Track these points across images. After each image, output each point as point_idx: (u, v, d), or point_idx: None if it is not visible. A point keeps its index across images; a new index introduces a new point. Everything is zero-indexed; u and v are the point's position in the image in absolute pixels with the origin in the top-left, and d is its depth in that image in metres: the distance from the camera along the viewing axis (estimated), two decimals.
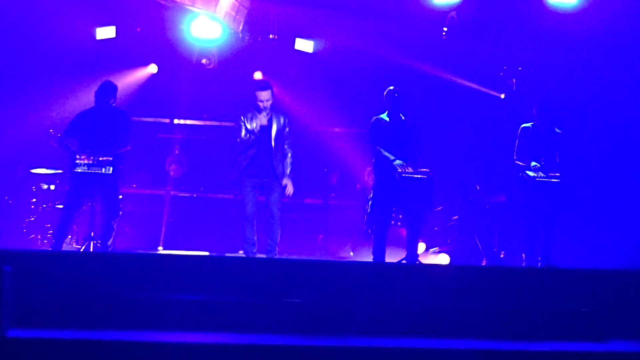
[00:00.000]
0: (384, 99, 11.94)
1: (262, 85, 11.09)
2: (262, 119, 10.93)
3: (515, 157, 12.11)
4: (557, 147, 12.03)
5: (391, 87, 11.98)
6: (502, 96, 16.10)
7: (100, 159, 11.42)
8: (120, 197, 12.00)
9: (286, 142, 11.01)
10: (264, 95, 10.95)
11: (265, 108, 10.92)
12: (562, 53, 15.12)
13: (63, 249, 11.84)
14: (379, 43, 16.18)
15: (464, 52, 15.85)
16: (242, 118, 10.99)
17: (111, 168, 11.41)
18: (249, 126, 10.90)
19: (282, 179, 10.99)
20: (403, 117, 11.91)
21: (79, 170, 11.42)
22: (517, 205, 12.08)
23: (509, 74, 15.96)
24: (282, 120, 10.97)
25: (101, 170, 11.39)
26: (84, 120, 11.87)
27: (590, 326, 8.45)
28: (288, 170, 10.95)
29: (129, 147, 11.94)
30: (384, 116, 11.90)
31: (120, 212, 11.93)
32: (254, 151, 10.84)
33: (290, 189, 11.02)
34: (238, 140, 10.96)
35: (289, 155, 11.04)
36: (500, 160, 13.26)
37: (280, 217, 10.91)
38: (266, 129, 10.90)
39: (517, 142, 12.06)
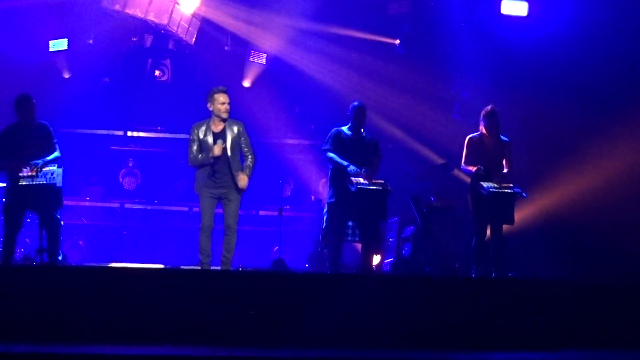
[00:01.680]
0: (348, 113, 11.94)
1: (221, 88, 10.96)
2: (217, 128, 10.81)
3: (462, 166, 12.19)
4: (504, 155, 12.10)
5: (356, 103, 11.99)
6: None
7: (44, 168, 11.24)
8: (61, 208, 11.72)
9: (244, 149, 10.89)
10: (223, 98, 10.82)
11: (225, 112, 10.78)
12: (512, 61, 15.28)
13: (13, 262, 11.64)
14: (333, 55, 16.26)
15: (417, 65, 15.97)
16: (195, 131, 10.88)
17: (57, 177, 11.22)
18: (202, 139, 10.77)
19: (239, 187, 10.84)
20: (364, 133, 11.93)
21: (24, 183, 11.18)
22: (470, 216, 12.11)
23: (462, 85, 16.12)
24: (236, 129, 10.84)
25: (46, 180, 11.20)
26: (11, 136, 11.59)
27: (541, 336, 8.52)
28: (247, 171, 10.80)
29: (59, 155, 11.69)
30: (345, 129, 11.91)
31: (62, 223, 11.71)
32: (210, 161, 10.73)
33: (243, 183, 10.77)
34: (191, 155, 10.84)
35: (249, 158, 10.88)
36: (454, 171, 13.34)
37: (236, 229, 10.84)
38: (221, 138, 10.78)
39: (464, 150, 12.12)
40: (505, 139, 12.16)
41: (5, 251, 11.48)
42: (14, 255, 11.59)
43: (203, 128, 10.83)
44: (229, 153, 10.74)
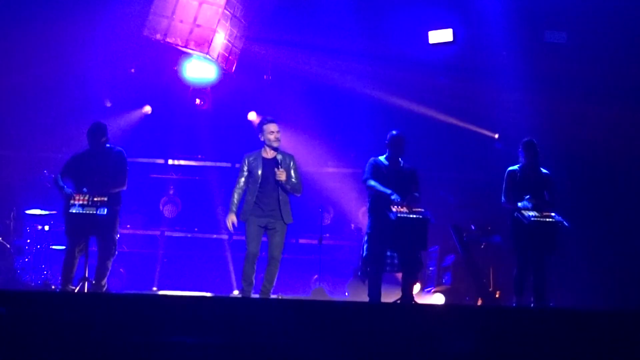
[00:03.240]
0: (386, 142, 11.94)
1: (269, 118, 11.05)
2: (268, 156, 10.86)
3: (503, 200, 12.12)
4: (545, 187, 12.05)
5: (394, 132, 11.99)
6: (496, 136, 16.20)
7: (95, 199, 11.39)
8: (118, 236, 11.92)
9: (294, 180, 10.93)
10: (273, 127, 10.90)
11: (276, 140, 10.86)
12: (554, 90, 15.23)
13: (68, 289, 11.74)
14: (375, 84, 16.28)
15: (458, 92, 15.95)
16: (245, 161, 10.92)
17: (105, 209, 11.36)
18: (253, 170, 10.81)
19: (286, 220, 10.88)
20: (402, 163, 11.92)
21: (74, 211, 11.38)
22: (511, 245, 12.04)
23: (503, 113, 16.08)
24: (288, 160, 10.93)
25: (95, 211, 11.35)
26: (79, 161, 11.84)
27: None
28: (290, 177, 10.85)
29: (124, 187, 11.90)
30: (382, 158, 11.91)
31: (116, 252, 11.86)
32: (257, 191, 10.76)
33: (283, 176, 10.75)
34: (238, 186, 10.87)
35: (298, 183, 10.95)
36: (494, 200, 13.27)
37: (280, 259, 10.86)
38: (272, 168, 10.83)
39: (504, 184, 12.09)
40: (546, 171, 12.11)
41: (63, 277, 11.62)
42: (71, 281, 11.70)
43: (253, 157, 10.89)
44: (277, 182, 10.78)
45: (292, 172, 10.94)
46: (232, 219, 10.75)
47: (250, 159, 10.91)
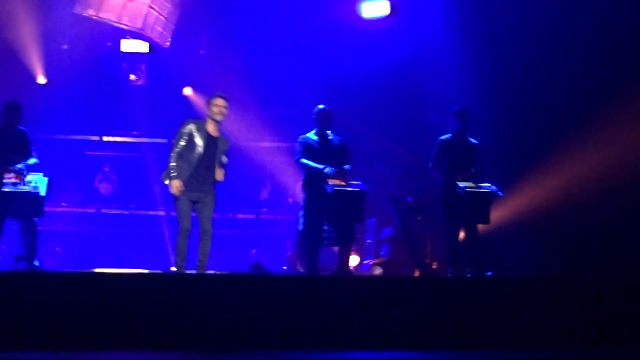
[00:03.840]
0: (313, 117, 11.96)
1: (223, 94, 10.96)
2: (213, 131, 10.78)
3: (430, 165, 12.23)
4: (474, 156, 12.17)
5: (320, 106, 12.00)
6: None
7: (29, 177, 11.26)
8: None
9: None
10: (221, 102, 10.82)
11: (219, 114, 10.76)
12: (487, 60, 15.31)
13: None
14: (308, 56, 16.27)
15: (393, 64, 15.97)
16: (188, 126, 10.77)
17: (41, 186, 11.24)
18: (194, 140, 10.70)
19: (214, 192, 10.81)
20: (331, 136, 11.94)
21: (7, 190, 11.21)
22: (443, 215, 12.14)
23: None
24: (226, 144, 10.86)
25: (30, 189, 11.22)
26: None
27: (518, 335, 8.56)
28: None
29: (37, 161, 11.75)
30: (311, 135, 11.92)
31: (38, 228, 11.72)
32: (195, 164, 10.68)
33: (221, 176, 10.72)
34: (176, 149, 10.72)
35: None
36: (430, 171, 13.35)
37: (212, 233, 10.80)
38: (213, 143, 10.77)
39: (434, 151, 12.18)
40: (474, 141, 12.22)
41: None
42: None
43: (197, 126, 10.77)
44: (215, 160, 10.73)
45: (223, 155, 10.87)
46: (177, 185, 10.57)
47: (194, 126, 10.77)
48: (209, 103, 10.83)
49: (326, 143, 11.84)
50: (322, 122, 11.88)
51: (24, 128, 11.85)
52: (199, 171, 10.65)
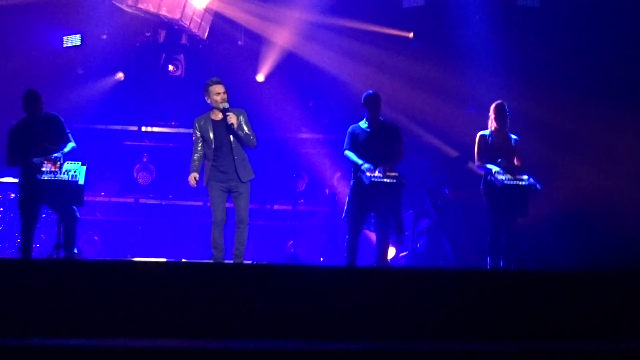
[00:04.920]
0: (362, 103, 11.92)
1: (214, 79, 11.01)
2: (217, 117, 10.81)
3: (476, 163, 12.18)
4: (514, 152, 12.11)
5: (370, 91, 11.97)
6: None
7: (67, 165, 11.30)
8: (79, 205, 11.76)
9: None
10: (220, 88, 10.86)
11: (223, 101, 10.79)
12: (526, 53, 15.26)
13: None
14: (347, 50, 16.26)
15: (432, 57, 15.95)
16: (196, 126, 10.88)
17: (79, 174, 11.28)
18: (205, 135, 10.76)
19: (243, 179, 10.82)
20: (382, 120, 11.91)
21: (45, 178, 11.26)
22: (485, 208, 12.11)
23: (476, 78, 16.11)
24: (237, 113, 10.84)
25: (69, 177, 11.27)
26: (21, 132, 11.64)
27: (556, 328, 8.50)
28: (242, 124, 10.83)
29: (75, 145, 11.76)
30: (362, 123, 11.90)
31: (78, 217, 11.76)
32: (213, 155, 10.74)
33: (233, 119, 10.71)
34: (195, 153, 10.84)
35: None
36: (468, 165, 13.32)
37: (248, 222, 10.83)
38: (222, 127, 10.79)
39: (476, 148, 12.14)
40: (515, 137, 12.17)
41: (23, 246, 11.55)
42: (32, 250, 11.65)
43: (202, 121, 10.85)
44: (232, 143, 10.75)
45: (243, 125, 10.87)
46: (193, 176, 10.71)
47: (201, 122, 10.88)
48: (207, 92, 10.86)
49: (377, 128, 11.81)
50: (371, 108, 11.85)
51: (54, 113, 11.85)
52: (220, 161, 10.70)
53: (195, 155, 10.82)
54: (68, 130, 11.76)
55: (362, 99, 11.95)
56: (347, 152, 11.77)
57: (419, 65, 16.22)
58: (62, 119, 11.79)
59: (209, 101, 10.93)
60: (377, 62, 16.30)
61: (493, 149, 12.02)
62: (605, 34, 14.69)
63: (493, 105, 12.21)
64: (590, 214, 14.16)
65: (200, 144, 10.80)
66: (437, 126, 16.32)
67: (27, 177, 11.45)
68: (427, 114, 16.33)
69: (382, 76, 16.08)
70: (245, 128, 10.81)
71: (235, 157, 10.74)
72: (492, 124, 12.15)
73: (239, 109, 10.99)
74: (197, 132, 10.83)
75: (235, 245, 10.68)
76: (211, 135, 10.72)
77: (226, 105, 10.79)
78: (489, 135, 12.13)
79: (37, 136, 11.52)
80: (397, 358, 7.35)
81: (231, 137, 10.77)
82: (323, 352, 7.34)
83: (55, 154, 11.41)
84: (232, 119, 10.67)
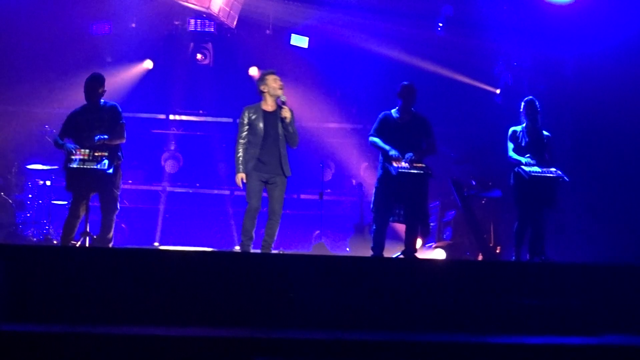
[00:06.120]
0: (397, 92, 11.88)
1: (270, 70, 10.95)
2: (269, 108, 10.80)
3: (510, 157, 12.13)
4: (545, 148, 12.07)
5: (405, 82, 11.93)
6: (498, 91, 16.19)
7: (96, 154, 11.35)
8: (118, 192, 11.82)
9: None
10: (278, 79, 10.83)
11: (281, 88, 10.77)
12: (557, 49, 15.20)
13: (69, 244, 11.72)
14: (375, 39, 16.24)
15: (460, 47, 15.91)
16: (246, 114, 10.81)
17: (107, 162, 11.32)
18: (254, 124, 10.73)
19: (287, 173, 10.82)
20: (414, 112, 11.89)
21: (74, 166, 11.34)
22: (513, 200, 12.07)
23: (505, 69, 16.05)
24: (289, 114, 10.81)
25: (96, 165, 11.31)
26: (77, 118, 11.73)
27: (581, 320, 8.49)
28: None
29: (124, 140, 11.78)
30: (394, 112, 11.87)
31: (119, 208, 11.83)
32: (259, 145, 10.71)
33: (287, 113, 10.69)
34: (240, 140, 10.76)
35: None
36: (495, 155, 13.26)
37: (281, 214, 10.82)
38: (273, 118, 10.77)
39: (508, 143, 12.10)
40: (547, 133, 12.13)
41: (65, 233, 11.60)
42: (71, 237, 11.68)
43: (253, 110, 10.82)
44: (280, 136, 10.76)
45: (291, 124, 10.87)
46: (241, 177, 10.66)
47: (251, 111, 10.81)
48: (264, 81, 10.83)
49: (408, 120, 11.79)
50: (406, 97, 11.82)
51: (114, 103, 11.87)
52: (265, 151, 10.68)
53: (242, 148, 10.70)
54: (123, 121, 11.77)
55: (398, 88, 11.92)
56: (374, 139, 11.73)
57: (446, 55, 16.19)
58: (120, 110, 11.81)
59: (264, 90, 10.82)
60: (406, 52, 16.25)
61: (524, 145, 11.98)
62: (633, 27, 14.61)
63: (524, 102, 12.17)
64: (617, 209, 14.12)
65: (245, 131, 10.74)
66: (463, 116, 16.29)
67: (65, 164, 11.55)
68: (453, 105, 16.29)
69: (410, 66, 16.05)
70: (291, 128, 10.81)
71: (281, 150, 10.75)
72: (523, 120, 12.12)
73: (285, 107, 10.90)
74: (245, 119, 10.75)
75: (264, 237, 10.67)
76: (261, 125, 10.69)
77: (284, 98, 10.75)
78: (521, 130, 12.10)
79: (89, 124, 11.58)
80: (424, 349, 7.36)
81: (280, 130, 10.75)
82: (349, 342, 7.36)
83: (101, 136, 11.41)
84: (286, 112, 10.66)
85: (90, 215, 11.61)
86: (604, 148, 14.45)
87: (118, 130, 11.65)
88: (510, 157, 12.06)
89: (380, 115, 11.90)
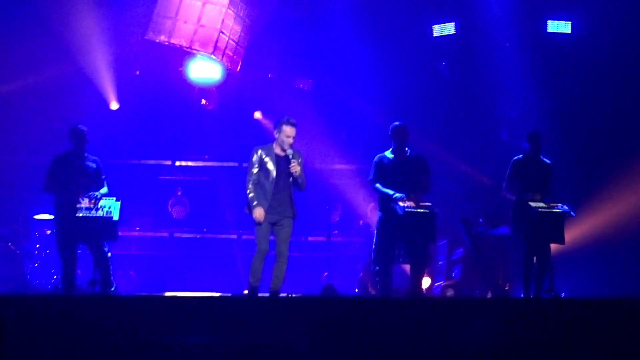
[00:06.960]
0: (390, 134, 11.94)
1: (292, 120, 10.96)
2: (281, 152, 10.81)
3: (503, 186, 12.15)
4: (546, 176, 12.06)
5: (396, 123, 11.98)
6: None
7: (102, 202, 11.39)
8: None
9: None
10: (292, 131, 10.82)
11: (289, 145, 10.79)
12: (558, 80, 15.26)
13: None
14: (378, 77, 16.31)
15: (463, 84, 15.98)
16: (257, 153, 10.81)
17: (114, 210, 11.35)
18: (265, 165, 10.73)
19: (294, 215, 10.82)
20: (408, 152, 11.90)
21: (81, 215, 11.34)
22: (517, 236, 12.04)
23: (509, 104, 16.13)
24: (297, 157, 10.82)
25: (103, 213, 11.34)
26: (64, 163, 11.78)
27: (595, 354, 8.45)
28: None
29: (107, 192, 11.86)
30: (388, 153, 11.90)
31: (110, 255, 11.83)
32: (271, 188, 10.72)
33: (297, 167, 10.67)
34: (250, 178, 10.76)
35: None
36: (502, 192, 13.27)
37: (288, 256, 10.80)
38: (285, 165, 10.78)
39: (507, 172, 12.11)
40: (547, 161, 12.13)
41: (65, 283, 11.61)
42: (74, 286, 11.70)
43: (266, 152, 10.83)
44: (290, 181, 10.79)
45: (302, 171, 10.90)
46: (260, 212, 10.61)
47: (263, 152, 10.82)
48: (279, 127, 10.84)
49: (403, 160, 11.81)
50: (398, 139, 11.85)
51: (95, 157, 11.99)
52: (275, 194, 10.70)
53: (253, 185, 10.71)
54: (104, 176, 11.90)
55: (390, 130, 11.97)
56: (376, 185, 11.76)
57: (450, 92, 16.25)
58: (102, 165, 11.92)
59: (276, 136, 10.88)
60: (409, 90, 16.31)
61: (525, 175, 11.98)
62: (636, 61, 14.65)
63: (527, 133, 12.18)
64: (623, 242, 14.10)
65: (256, 170, 10.75)
66: (469, 153, 16.30)
67: (63, 213, 11.56)
68: (459, 142, 16.31)
69: (414, 104, 16.09)
70: (302, 174, 10.85)
71: (290, 193, 10.78)
72: (526, 150, 12.12)
73: (297, 150, 10.92)
74: (256, 159, 10.76)
75: (272, 279, 10.66)
76: (272, 167, 10.71)
77: (291, 151, 10.75)
78: (522, 161, 12.10)
79: (78, 170, 11.65)
80: None
81: (291, 177, 10.78)
82: None
83: (94, 192, 11.51)
84: (295, 167, 10.68)
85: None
86: (610, 180, 14.47)
87: (102, 182, 11.79)
88: (504, 188, 12.09)
89: (375, 159, 11.94)
